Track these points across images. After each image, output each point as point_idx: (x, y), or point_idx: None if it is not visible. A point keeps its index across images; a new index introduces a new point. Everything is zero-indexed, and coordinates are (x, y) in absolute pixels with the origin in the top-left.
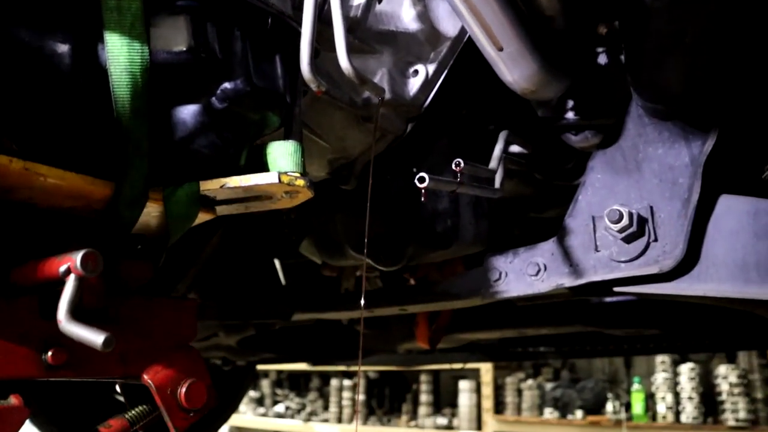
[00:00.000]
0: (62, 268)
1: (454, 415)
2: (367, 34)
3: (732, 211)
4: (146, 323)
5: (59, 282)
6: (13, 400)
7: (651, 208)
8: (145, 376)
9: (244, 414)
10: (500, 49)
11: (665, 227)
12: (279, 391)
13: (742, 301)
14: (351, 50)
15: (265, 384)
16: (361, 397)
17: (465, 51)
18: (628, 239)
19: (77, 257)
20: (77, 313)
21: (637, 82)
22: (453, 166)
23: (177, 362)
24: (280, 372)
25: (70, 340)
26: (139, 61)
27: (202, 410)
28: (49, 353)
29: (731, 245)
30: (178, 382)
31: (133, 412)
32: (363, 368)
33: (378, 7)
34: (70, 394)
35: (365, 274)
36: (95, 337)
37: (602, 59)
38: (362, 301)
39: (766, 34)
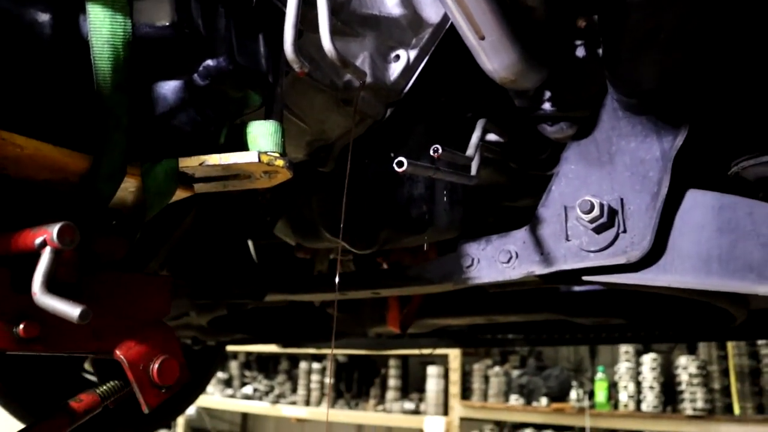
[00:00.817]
0: (38, 240)
1: (421, 399)
2: (350, 17)
3: (698, 205)
4: (120, 299)
5: (33, 254)
6: None
7: (621, 200)
8: (118, 352)
9: (212, 395)
10: (482, 38)
11: (634, 219)
12: (247, 373)
13: (704, 293)
14: (334, 33)
15: (234, 366)
16: (328, 380)
17: (446, 39)
18: (598, 230)
19: (54, 229)
20: (52, 287)
21: (614, 76)
22: (431, 152)
23: (150, 338)
24: (249, 354)
25: (42, 314)
26: (122, 33)
27: (174, 387)
28: (21, 326)
29: (696, 238)
30: (150, 358)
31: (104, 387)
32: (333, 351)
33: None
34: (36, 372)
35: (340, 257)
36: (71, 310)
37: (580, 52)
38: (336, 283)
39: (738, 33)
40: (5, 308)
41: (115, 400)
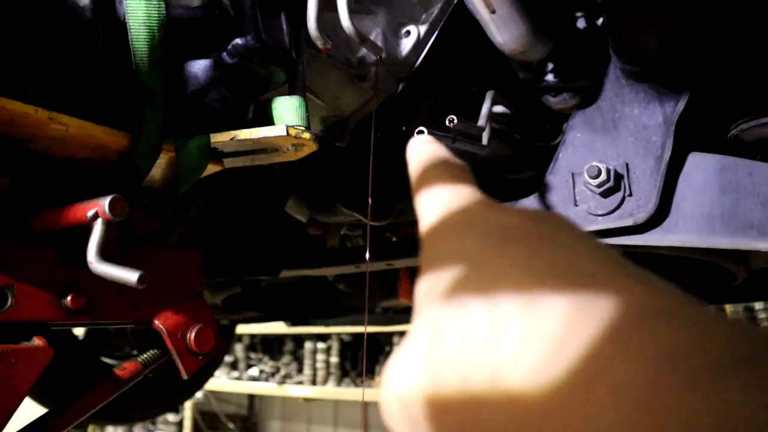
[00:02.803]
0: (90, 213)
1: None
2: None
3: (700, 167)
4: (156, 271)
5: (81, 228)
6: (38, 341)
7: (627, 164)
8: (156, 322)
9: (218, 378)
10: (493, 12)
11: (639, 183)
12: (253, 355)
13: (707, 251)
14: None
15: (239, 348)
16: (334, 359)
17: (453, 13)
18: (605, 194)
19: (105, 202)
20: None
21: (617, 45)
22: (447, 123)
23: (186, 308)
24: (253, 336)
25: (87, 286)
26: (156, 15)
27: (209, 354)
28: (69, 298)
29: (699, 199)
30: (187, 327)
31: (145, 355)
32: (338, 330)
33: None
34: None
35: (369, 229)
36: (129, 275)
37: (581, 23)
38: (367, 254)
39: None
40: (54, 281)
41: (155, 368)
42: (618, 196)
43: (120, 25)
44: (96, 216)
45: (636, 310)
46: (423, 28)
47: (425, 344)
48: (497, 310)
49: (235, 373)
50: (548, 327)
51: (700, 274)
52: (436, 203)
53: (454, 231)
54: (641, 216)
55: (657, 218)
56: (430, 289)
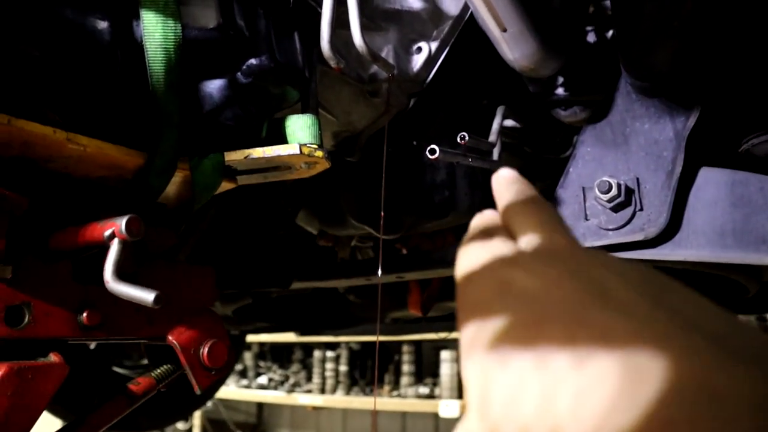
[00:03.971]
0: (107, 233)
1: (435, 384)
2: (374, 12)
3: (711, 182)
4: (170, 287)
5: (98, 246)
6: (54, 357)
7: (637, 179)
8: (170, 337)
9: (228, 386)
10: (504, 30)
11: (650, 197)
12: (262, 363)
13: (719, 266)
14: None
15: (248, 356)
16: (343, 368)
17: (463, 30)
18: (616, 208)
19: (122, 222)
20: (121, 275)
21: (627, 60)
22: (458, 140)
23: (199, 324)
24: (262, 344)
25: (102, 303)
26: (173, 37)
27: (222, 369)
28: (84, 314)
29: (710, 214)
30: (200, 342)
31: (158, 370)
32: (347, 339)
33: None
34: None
35: (381, 243)
36: (146, 295)
37: (591, 37)
38: (379, 266)
39: (746, 17)
40: (70, 298)
41: (168, 382)
42: (629, 211)
43: (137, 47)
44: (113, 236)
45: (688, 389)
46: (434, 45)
47: (475, 400)
48: (548, 367)
49: (244, 382)
50: (601, 388)
51: (712, 286)
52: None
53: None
54: (652, 230)
55: (668, 233)
56: (474, 337)
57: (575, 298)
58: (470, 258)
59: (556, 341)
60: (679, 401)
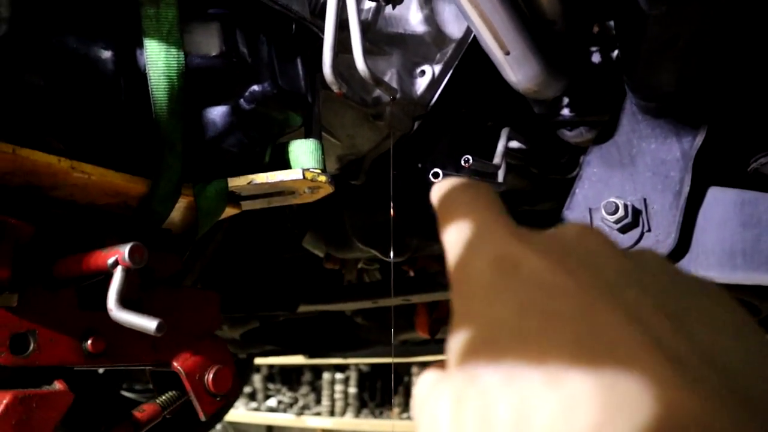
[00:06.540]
0: (110, 260)
1: None
2: (377, 36)
3: (720, 202)
4: (175, 313)
5: (102, 274)
6: (59, 385)
7: (645, 200)
8: (175, 363)
9: (237, 409)
10: (507, 53)
11: (658, 218)
12: (271, 386)
13: (729, 287)
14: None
15: (257, 379)
16: (352, 390)
17: (467, 52)
18: (623, 230)
19: (125, 250)
20: (124, 303)
21: (632, 81)
22: (462, 163)
23: (204, 350)
24: (271, 367)
25: (107, 330)
26: (176, 65)
27: (228, 395)
28: (89, 341)
29: (719, 234)
30: (205, 368)
31: (163, 397)
32: (356, 361)
33: (387, 11)
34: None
35: (392, 265)
36: (148, 323)
37: (596, 58)
38: (391, 288)
39: (751, 36)
40: (75, 325)
41: (173, 409)
42: (636, 232)
43: (140, 76)
44: (116, 263)
45: (669, 417)
46: (437, 68)
47: (447, 415)
48: (518, 385)
49: (254, 404)
50: (579, 412)
51: None
52: (463, 238)
53: (483, 285)
54: (661, 252)
55: (677, 253)
56: (454, 348)
57: (588, 294)
58: (462, 230)
59: (530, 358)
60: None
